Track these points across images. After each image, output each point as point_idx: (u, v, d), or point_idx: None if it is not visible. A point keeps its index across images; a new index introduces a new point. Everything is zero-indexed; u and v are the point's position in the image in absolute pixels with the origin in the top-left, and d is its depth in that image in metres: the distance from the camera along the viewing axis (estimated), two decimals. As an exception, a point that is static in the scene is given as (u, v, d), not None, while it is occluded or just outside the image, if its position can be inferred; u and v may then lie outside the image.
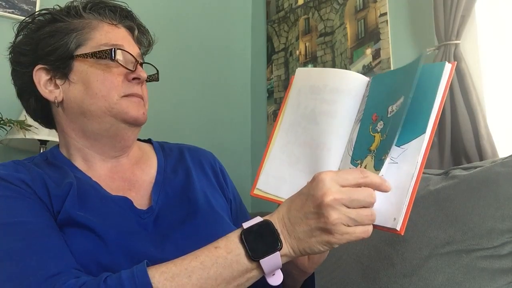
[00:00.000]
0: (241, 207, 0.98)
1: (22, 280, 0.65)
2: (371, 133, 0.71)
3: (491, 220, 1.06)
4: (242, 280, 0.63)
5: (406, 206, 0.63)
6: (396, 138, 0.65)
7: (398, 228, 0.62)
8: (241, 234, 0.63)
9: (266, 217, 0.65)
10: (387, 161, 0.65)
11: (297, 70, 0.82)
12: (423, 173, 1.29)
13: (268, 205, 0.87)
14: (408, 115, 0.66)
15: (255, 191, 0.78)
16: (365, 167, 0.68)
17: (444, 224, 1.12)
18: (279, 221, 0.63)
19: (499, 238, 1.05)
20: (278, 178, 0.76)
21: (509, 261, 1.04)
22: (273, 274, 0.64)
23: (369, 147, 0.69)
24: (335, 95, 0.75)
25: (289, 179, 0.75)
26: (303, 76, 0.80)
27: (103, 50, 0.83)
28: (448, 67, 0.67)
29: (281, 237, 0.62)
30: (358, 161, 0.70)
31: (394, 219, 0.63)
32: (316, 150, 0.74)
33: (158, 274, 0.62)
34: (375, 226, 0.65)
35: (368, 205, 0.61)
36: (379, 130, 0.70)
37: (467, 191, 1.12)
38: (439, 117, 0.66)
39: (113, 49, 0.83)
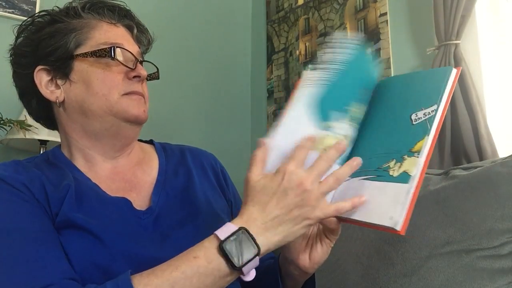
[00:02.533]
0: (242, 209, 0.98)
1: None
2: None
3: (491, 220, 1.06)
4: (223, 283, 0.65)
5: (408, 207, 0.63)
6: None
7: (398, 228, 0.62)
8: (219, 246, 0.64)
9: (240, 223, 0.66)
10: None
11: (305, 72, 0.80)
12: (423, 173, 1.29)
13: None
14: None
15: None
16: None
17: (444, 224, 1.12)
18: (258, 226, 0.65)
19: (499, 238, 1.05)
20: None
21: (509, 261, 1.04)
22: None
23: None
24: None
25: None
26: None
27: (103, 49, 0.83)
28: (454, 72, 0.68)
29: (258, 240, 0.64)
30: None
31: (391, 217, 0.63)
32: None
33: (142, 286, 0.63)
34: (372, 226, 0.65)
35: (331, 168, 0.67)
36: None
37: (467, 191, 1.12)
38: (442, 119, 0.67)
39: (112, 48, 0.83)
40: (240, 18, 2.66)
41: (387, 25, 1.88)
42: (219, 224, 0.85)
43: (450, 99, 0.68)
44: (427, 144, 0.65)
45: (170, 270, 0.64)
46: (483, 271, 1.04)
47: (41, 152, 1.78)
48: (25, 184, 0.77)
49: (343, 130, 0.73)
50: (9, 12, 1.98)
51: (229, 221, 0.89)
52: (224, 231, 0.65)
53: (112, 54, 0.83)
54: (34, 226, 0.73)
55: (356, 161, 0.68)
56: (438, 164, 1.53)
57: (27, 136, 1.67)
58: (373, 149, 0.71)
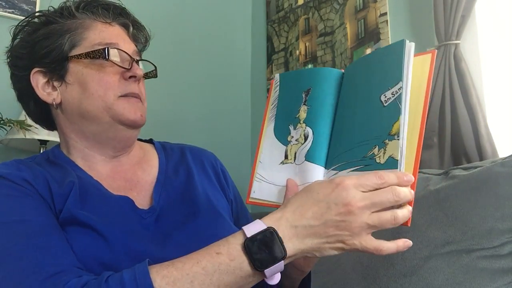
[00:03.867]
0: (242, 207, 0.98)
1: (23, 279, 0.65)
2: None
3: (491, 220, 1.06)
4: (244, 284, 0.63)
5: None
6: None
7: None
8: (244, 243, 0.61)
9: (270, 222, 0.62)
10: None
11: (277, 75, 0.85)
12: (423, 173, 1.29)
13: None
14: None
15: (250, 199, 0.79)
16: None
17: (444, 224, 1.12)
18: (287, 228, 0.62)
19: (499, 238, 1.05)
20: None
21: (509, 261, 1.04)
22: (272, 278, 0.63)
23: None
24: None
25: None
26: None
27: (97, 50, 0.82)
28: (407, 44, 0.67)
29: (285, 244, 0.61)
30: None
31: None
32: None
33: (160, 278, 0.61)
34: None
35: (392, 205, 0.61)
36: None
37: (467, 191, 1.12)
38: (427, 99, 0.66)
39: (106, 48, 0.82)
40: (240, 18, 2.66)
41: (387, 25, 1.88)
42: (220, 223, 0.85)
43: (430, 82, 0.67)
44: (403, 124, 0.64)
45: (191, 264, 0.62)
46: (483, 271, 1.04)
47: (41, 152, 1.78)
48: (28, 180, 0.77)
49: (298, 134, 0.76)
50: (9, 12, 1.98)
51: (230, 220, 0.90)
52: (251, 228, 0.62)
53: (106, 55, 0.82)
54: (40, 219, 0.73)
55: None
56: (438, 164, 1.53)
57: (27, 136, 1.67)
58: (353, 139, 0.70)
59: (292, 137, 0.77)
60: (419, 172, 1.29)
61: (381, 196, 0.60)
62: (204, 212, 0.85)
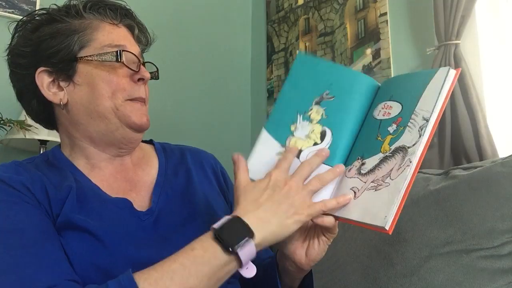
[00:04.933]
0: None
1: None
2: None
3: (491, 220, 1.06)
4: (221, 273, 0.67)
5: (397, 206, 0.65)
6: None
7: (387, 227, 0.64)
8: (214, 233, 0.67)
9: (233, 215, 0.69)
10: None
11: (300, 53, 0.83)
12: (423, 173, 1.29)
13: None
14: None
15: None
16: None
17: (444, 224, 1.12)
18: (249, 216, 0.68)
19: (499, 238, 1.05)
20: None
21: (509, 261, 1.04)
22: (247, 268, 0.68)
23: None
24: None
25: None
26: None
27: (108, 52, 0.82)
28: (452, 73, 0.68)
29: (252, 227, 0.67)
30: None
31: (385, 217, 0.65)
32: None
33: (142, 281, 0.64)
34: (364, 225, 0.67)
35: (312, 168, 0.73)
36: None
37: (467, 191, 1.12)
38: (438, 121, 0.68)
39: (118, 51, 0.82)
40: (240, 18, 2.66)
41: (387, 25, 1.88)
42: None
43: (446, 102, 0.68)
44: (420, 145, 0.66)
45: (169, 263, 0.66)
46: (483, 271, 1.04)
47: (41, 152, 1.78)
48: (26, 185, 0.77)
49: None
50: (9, 12, 1.98)
51: None
52: (219, 222, 0.68)
53: (119, 57, 0.82)
54: (35, 227, 0.72)
55: (339, 168, 0.73)
56: (438, 164, 1.53)
57: (27, 136, 1.67)
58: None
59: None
60: (419, 172, 1.30)
61: (303, 170, 0.72)
62: (203, 214, 0.85)
